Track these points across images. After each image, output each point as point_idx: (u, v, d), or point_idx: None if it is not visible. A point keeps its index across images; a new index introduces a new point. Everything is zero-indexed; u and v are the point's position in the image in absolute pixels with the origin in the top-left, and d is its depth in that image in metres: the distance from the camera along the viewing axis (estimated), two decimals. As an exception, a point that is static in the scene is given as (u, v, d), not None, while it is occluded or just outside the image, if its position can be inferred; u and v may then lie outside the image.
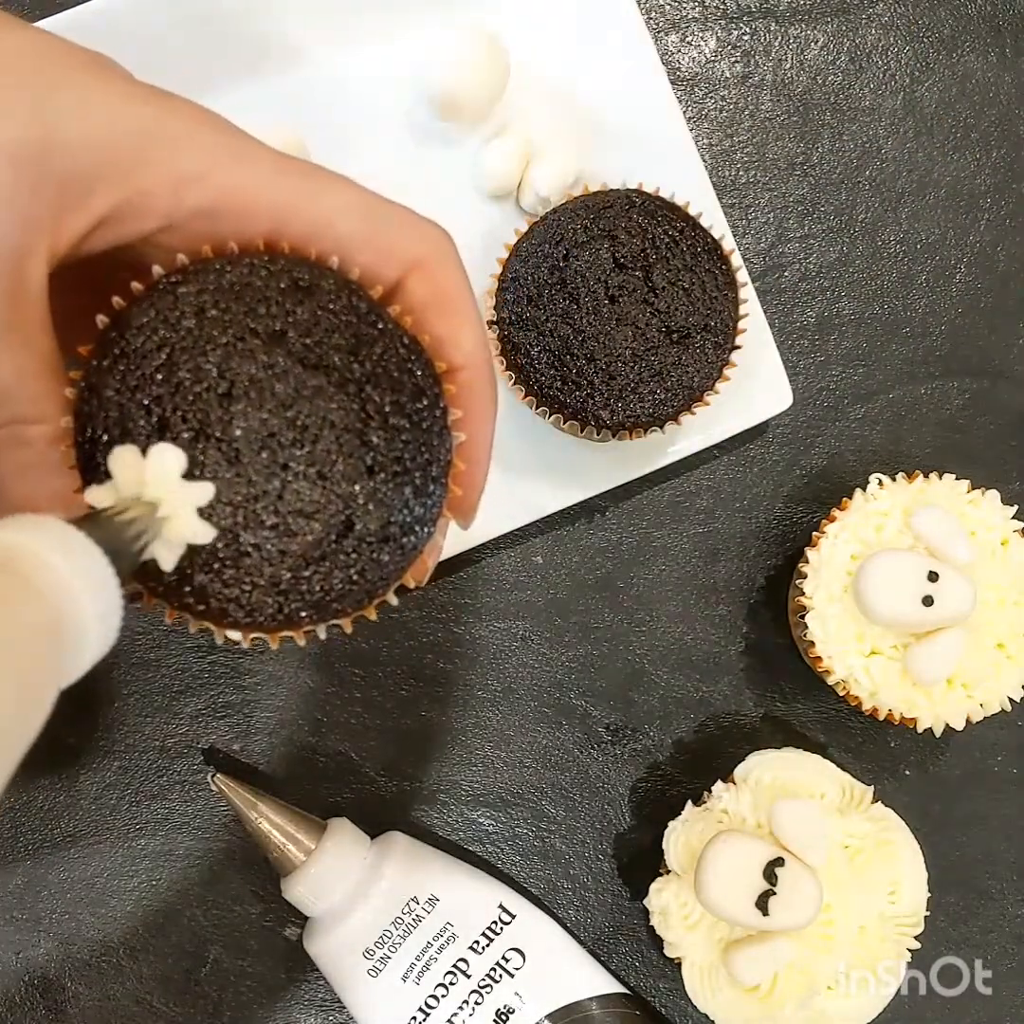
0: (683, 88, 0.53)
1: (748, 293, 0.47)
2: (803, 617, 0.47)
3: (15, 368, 0.26)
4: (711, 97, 0.53)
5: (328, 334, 0.26)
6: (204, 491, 0.25)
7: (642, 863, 0.50)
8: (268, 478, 0.25)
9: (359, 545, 0.26)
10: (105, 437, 0.25)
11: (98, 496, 0.24)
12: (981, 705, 0.45)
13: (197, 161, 0.27)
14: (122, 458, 0.24)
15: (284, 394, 0.25)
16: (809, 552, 0.47)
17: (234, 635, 0.27)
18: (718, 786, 0.46)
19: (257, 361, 0.25)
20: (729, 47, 0.53)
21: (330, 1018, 0.50)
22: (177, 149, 0.26)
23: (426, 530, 0.27)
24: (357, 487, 0.26)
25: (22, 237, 0.25)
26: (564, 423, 0.46)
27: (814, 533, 0.48)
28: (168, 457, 0.25)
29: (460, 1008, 0.45)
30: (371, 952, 0.46)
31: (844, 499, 0.47)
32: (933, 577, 0.44)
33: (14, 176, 0.25)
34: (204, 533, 0.25)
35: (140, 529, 0.24)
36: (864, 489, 0.47)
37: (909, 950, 0.45)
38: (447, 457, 0.27)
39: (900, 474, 0.47)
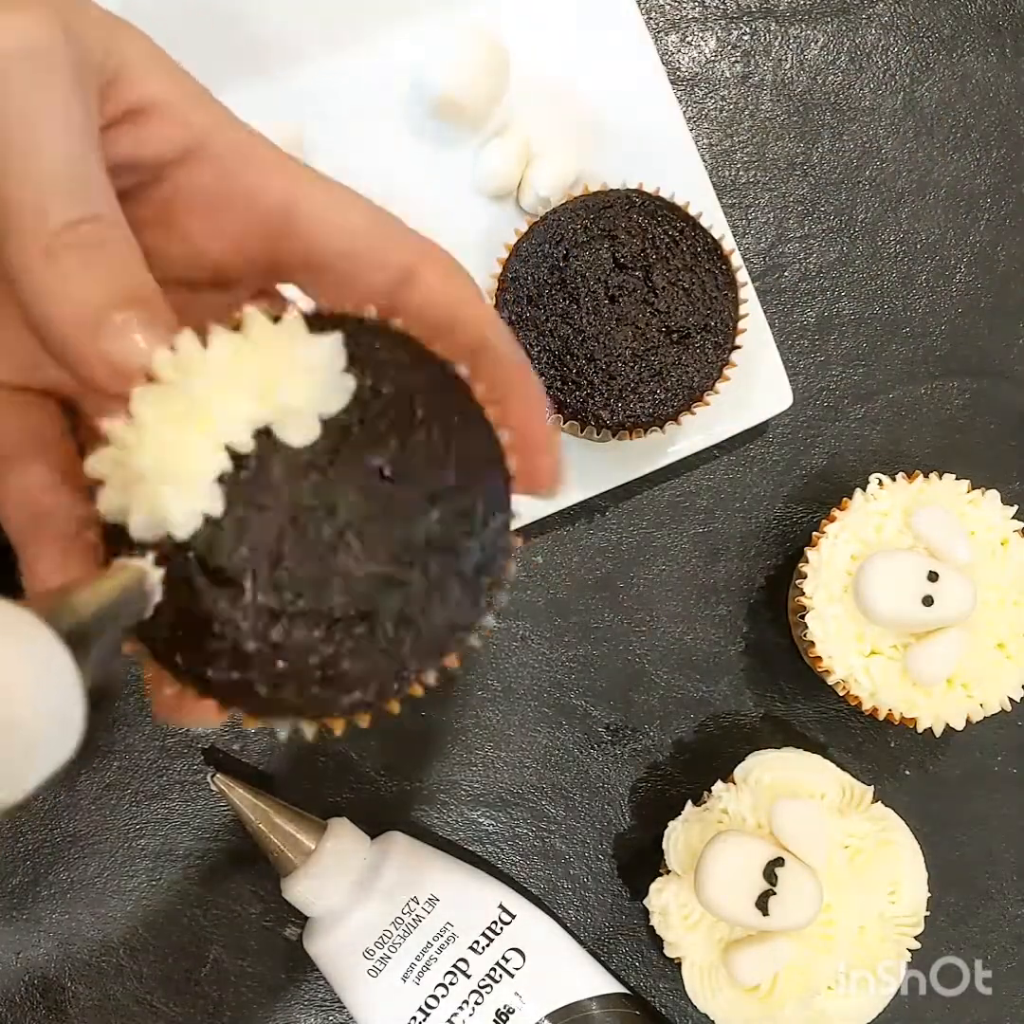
0: (683, 88, 0.53)
1: (748, 293, 0.47)
2: (803, 617, 0.47)
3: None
4: (711, 97, 0.53)
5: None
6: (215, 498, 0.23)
7: (642, 863, 0.50)
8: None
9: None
10: None
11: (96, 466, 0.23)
12: (981, 705, 0.45)
13: (209, 109, 0.25)
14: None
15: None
16: (809, 552, 0.47)
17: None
18: (718, 786, 0.46)
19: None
20: (729, 47, 0.53)
21: (330, 1018, 0.50)
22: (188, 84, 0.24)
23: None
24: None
25: (89, 118, 0.23)
26: (564, 423, 0.46)
27: (814, 533, 0.48)
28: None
29: (460, 1008, 0.45)
30: (371, 952, 0.46)
31: (844, 499, 0.47)
32: (933, 577, 0.44)
33: (62, 55, 0.23)
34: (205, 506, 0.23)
35: (137, 589, 0.22)
36: (864, 489, 0.47)
37: (909, 950, 0.45)
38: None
39: (900, 474, 0.47)
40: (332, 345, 0.24)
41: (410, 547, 0.24)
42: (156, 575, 0.22)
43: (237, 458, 0.23)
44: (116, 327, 0.23)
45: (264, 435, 0.23)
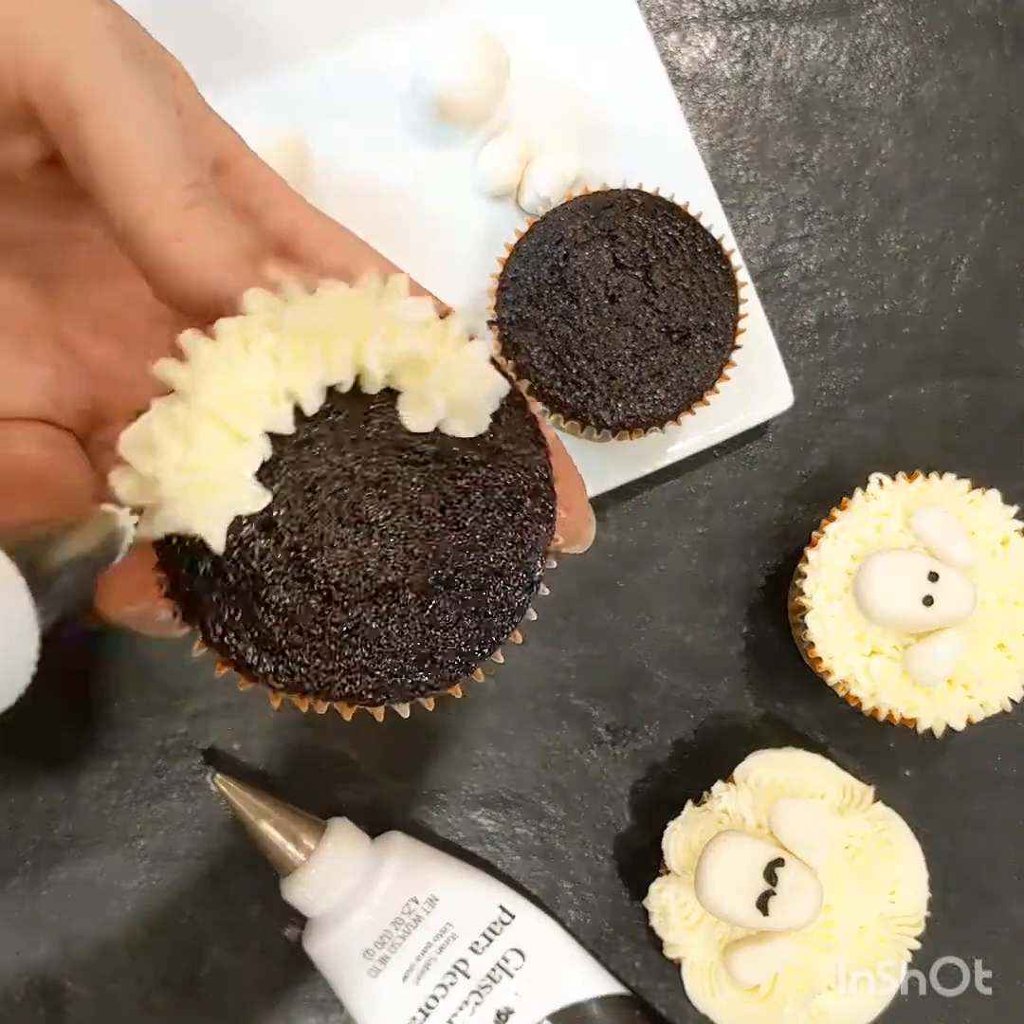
0: (683, 88, 0.53)
1: (748, 293, 0.47)
2: (803, 617, 0.47)
3: None
4: (711, 97, 0.53)
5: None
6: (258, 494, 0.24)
7: (642, 863, 0.49)
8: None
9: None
10: None
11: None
12: (981, 705, 0.45)
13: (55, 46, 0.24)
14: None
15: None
16: (809, 552, 0.47)
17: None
18: (718, 786, 0.46)
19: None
20: (729, 47, 0.53)
21: (330, 1018, 0.50)
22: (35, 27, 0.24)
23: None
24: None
25: None
26: (564, 423, 0.46)
27: (814, 533, 0.48)
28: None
29: (460, 1008, 0.45)
30: (371, 952, 0.46)
31: (844, 499, 0.47)
32: (933, 577, 0.44)
33: None
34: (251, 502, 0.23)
35: (104, 534, 0.22)
36: (864, 489, 0.47)
37: (909, 950, 0.45)
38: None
39: (900, 474, 0.47)
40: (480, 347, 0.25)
41: (451, 561, 0.25)
42: (128, 520, 0.23)
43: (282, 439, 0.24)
44: (254, 270, 0.25)
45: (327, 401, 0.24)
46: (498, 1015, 0.45)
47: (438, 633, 0.25)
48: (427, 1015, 0.45)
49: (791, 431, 0.52)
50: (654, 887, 0.45)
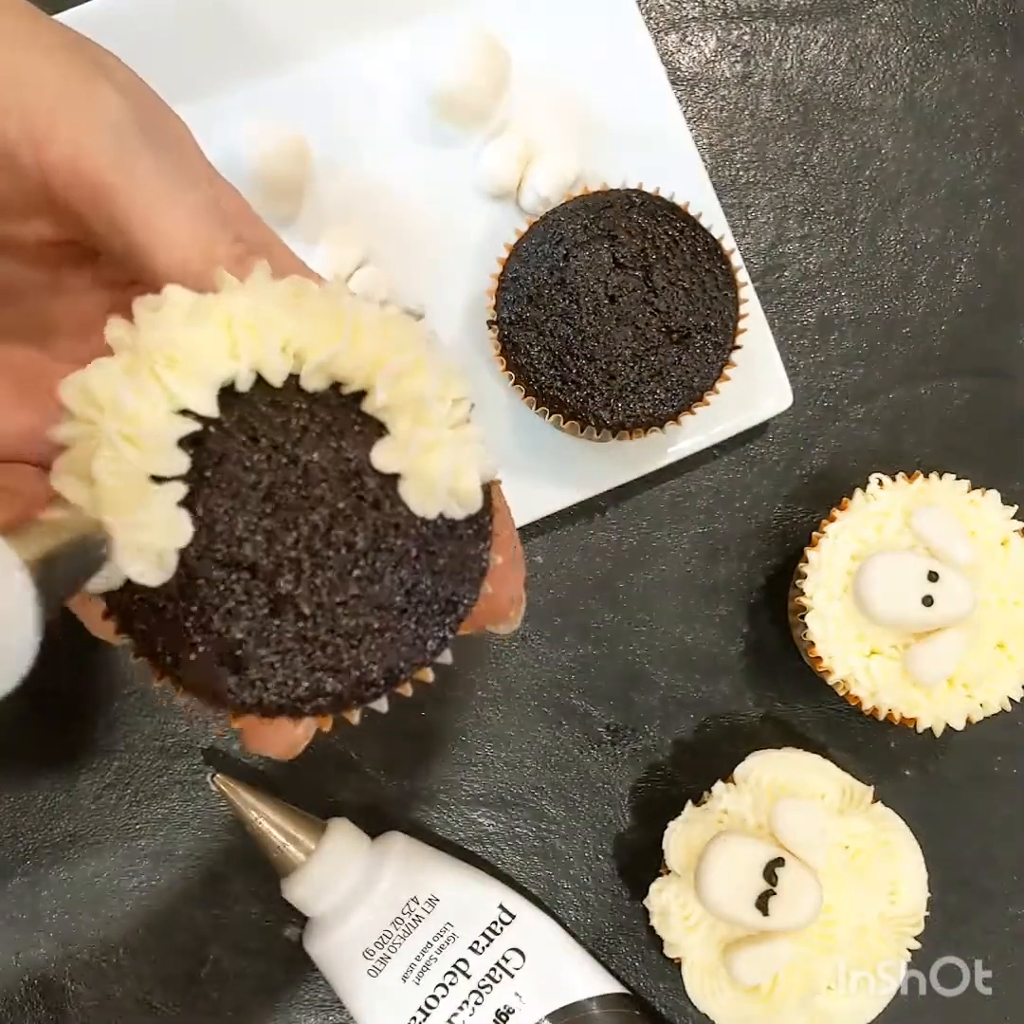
0: (683, 88, 0.53)
1: (748, 293, 0.47)
2: (803, 617, 0.47)
3: None
4: (711, 97, 0.53)
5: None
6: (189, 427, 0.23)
7: (642, 863, 0.50)
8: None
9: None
10: None
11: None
12: (981, 705, 0.45)
13: (49, 113, 0.25)
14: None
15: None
16: (809, 552, 0.47)
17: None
18: (718, 786, 0.46)
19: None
20: (729, 47, 0.53)
21: (330, 1018, 0.50)
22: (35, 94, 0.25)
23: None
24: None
25: None
26: (564, 423, 0.46)
27: (814, 533, 0.48)
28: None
29: (460, 1008, 0.45)
30: (371, 952, 0.46)
31: (844, 499, 0.47)
32: (933, 577, 0.44)
33: None
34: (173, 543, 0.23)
35: (94, 538, 0.22)
36: (864, 489, 0.47)
37: (909, 950, 0.45)
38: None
39: (900, 474, 0.47)
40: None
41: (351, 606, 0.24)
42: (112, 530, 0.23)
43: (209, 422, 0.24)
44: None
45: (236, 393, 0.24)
46: (498, 1015, 0.45)
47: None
48: (427, 1015, 0.45)
49: (791, 431, 0.52)
50: (654, 887, 0.45)
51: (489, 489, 0.26)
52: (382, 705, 0.26)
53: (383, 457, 0.24)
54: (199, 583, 0.24)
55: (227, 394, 0.24)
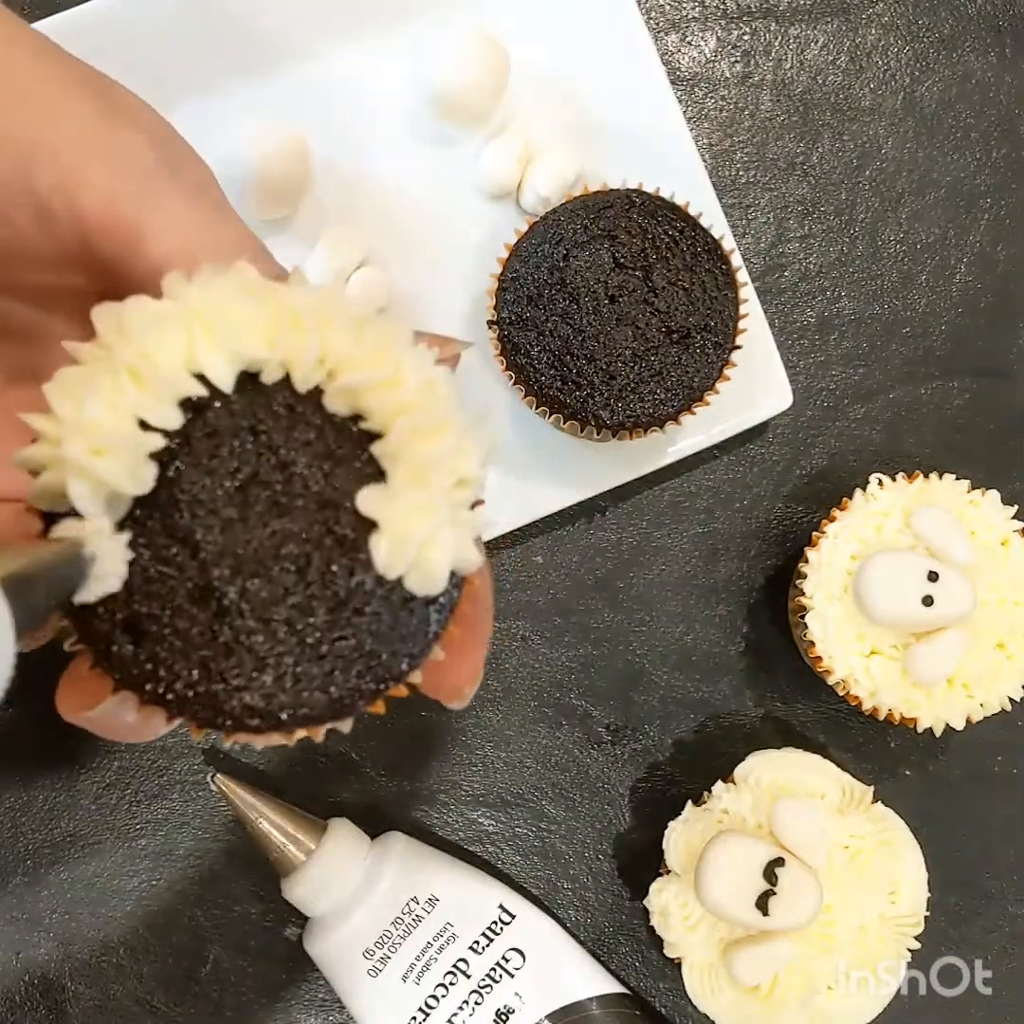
0: (683, 88, 0.53)
1: (748, 293, 0.47)
2: (803, 617, 0.47)
3: None
4: (711, 97, 0.53)
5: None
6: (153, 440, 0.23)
7: (642, 863, 0.50)
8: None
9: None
10: None
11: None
12: (981, 705, 0.45)
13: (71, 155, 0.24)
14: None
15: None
16: (809, 552, 0.47)
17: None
18: (718, 786, 0.46)
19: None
20: (729, 47, 0.53)
21: (330, 1018, 0.50)
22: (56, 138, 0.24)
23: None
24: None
25: None
26: (564, 423, 0.46)
27: (814, 533, 0.48)
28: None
29: (460, 1008, 0.45)
30: (371, 952, 0.46)
31: (844, 499, 0.47)
32: (933, 577, 0.44)
33: None
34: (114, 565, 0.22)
35: (72, 556, 0.21)
36: (864, 489, 0.47)
37: (909, 950, 0.45)
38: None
39: (900, 474, 0.47)
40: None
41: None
42: (100, 546, 0.22)
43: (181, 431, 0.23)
44: None
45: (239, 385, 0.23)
46: (498, 1015, 0.45)
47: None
48: (427, 1015, 0.45)
49: (791, 431, 0.52)
50: (654, 887, 0.45)
51: (463, 579, 0.25)
52: (260, 741, 0.24)
53: (367, 500, 0.23)
54: (141, 544, 0.23)
55: (250, 380, 0.23)
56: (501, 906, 0.47)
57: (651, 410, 0.45)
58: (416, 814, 0.51)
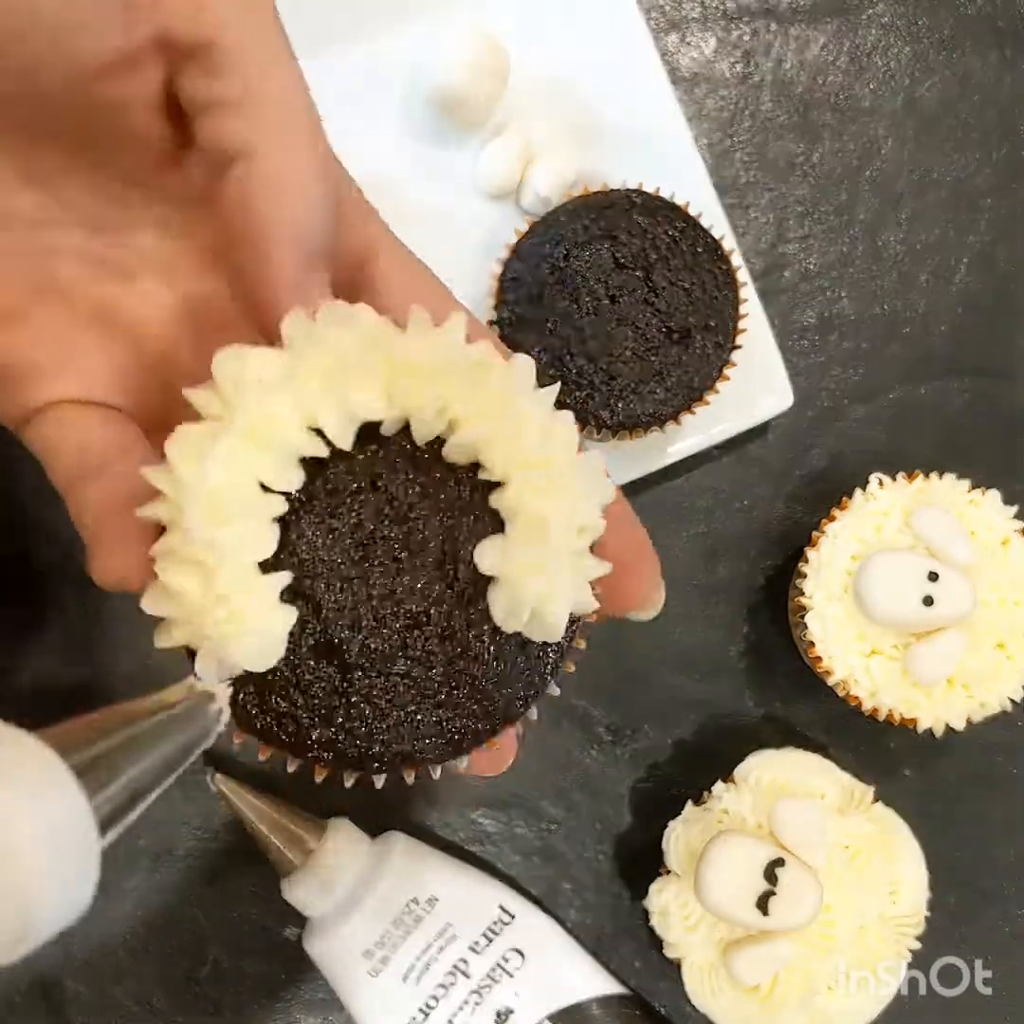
0: (683, 88, 0.53)
1: (748, 293, 0.47)
2: (803, 617, 0.47)
3: None
4: (711, 97, 0.53)
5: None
6: (280, 580, 0.23)
7: (642, 863, 0.49)
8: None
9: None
10: None
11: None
12: (981, 705, 0.45)
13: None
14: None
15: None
16: (809, 552, 0.47)
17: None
18: (718, 786, 0.46)
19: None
20: (729, 47, 0.53)
21: (330, 1018, 0.50)
22: None
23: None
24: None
25: None
26: (564, 423, 0.46)
27: (814, 533, 0.48)
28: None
29: (460, 1008, 0.45)
30: (371, 952, 0.46)
31: (844, 499, 0.47)
32: (933, 577, 0.44)
33: None
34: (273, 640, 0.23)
35: (196, 720, 0.22)
36: (864, 489, 0.47)
37: (909, 950, 0.45)
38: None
39: (900, 474, 0.47)
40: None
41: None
42: (224, 699, 0.23)
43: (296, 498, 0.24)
44: None
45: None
46: (498, 1015, 0.45)
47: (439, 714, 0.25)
48: (427, 1015, 0.45)
49: (791, 431, 0.52)
50: (654, 887, 0.45)
51: (578, 619, 0.25)
52: (379, 780, 0.25)
53: (485, 556, 0.24)
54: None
55: (371, 431, 0.24)
56: (501, 906, 0.47)
57: (651, 410, 0.45)
58: (416, 814, 0.50)
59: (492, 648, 0.24)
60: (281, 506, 0.23)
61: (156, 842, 0.50)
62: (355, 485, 0.24)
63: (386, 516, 0.24)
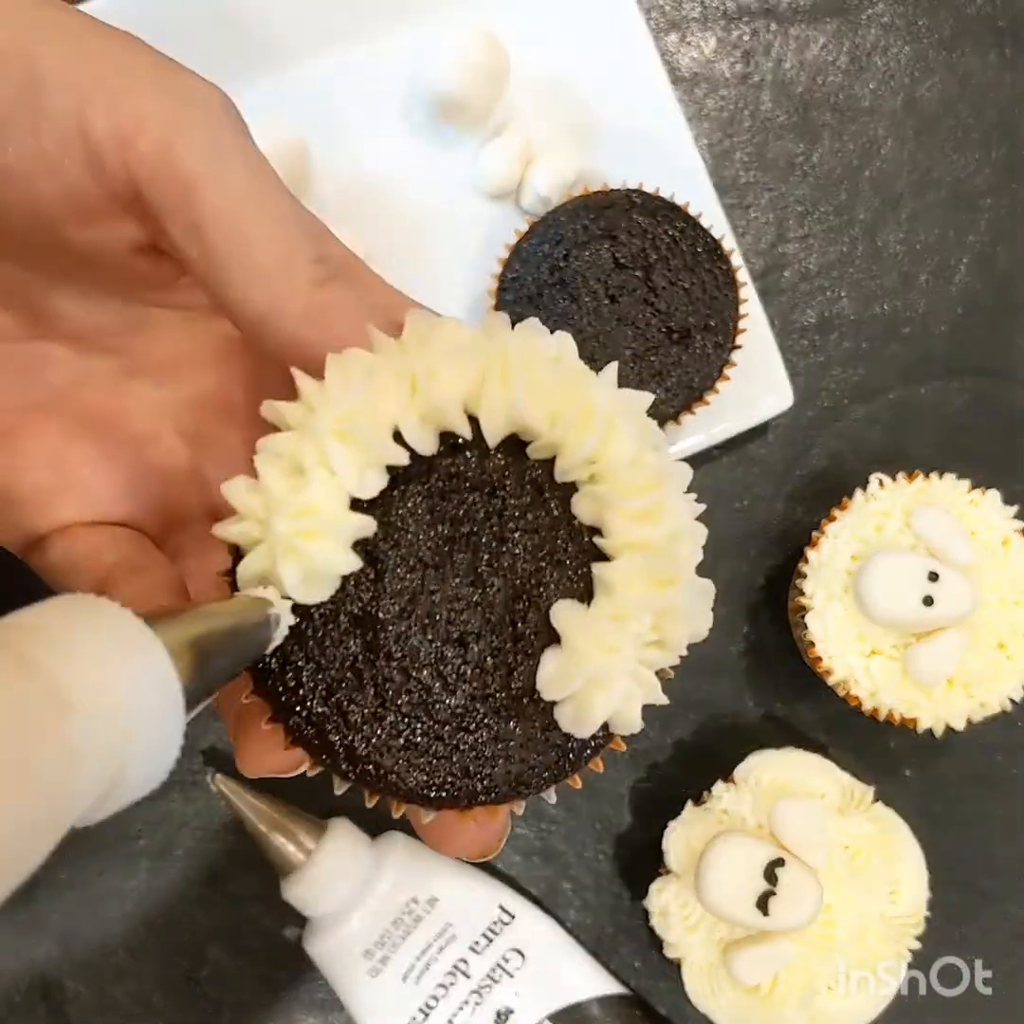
0: (683, 88, 0.53)
1: (748, 293, 0.47)
2: (803, 617, 0.47)
3: None
4: (711, 97, 0.53)
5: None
6: (364, 524, 0.22)
7: (642, 863, 0.49)
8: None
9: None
10: None
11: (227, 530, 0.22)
12: (981, 705, 0.45)
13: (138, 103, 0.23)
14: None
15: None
16: (809, 552, 0.47)
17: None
18: (718, 786, 0.46)
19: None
20: (729, 47, 0.53)
21: (330, 1018, 0.50)
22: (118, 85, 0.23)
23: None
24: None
25: None
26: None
27: (814, 533, 0.48)
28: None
29: (460, 1008, 0.45)
30: (371, 952, 0.46)
31: (844, 499, 0.47)
32: (933, 577, 0.44)
33: None
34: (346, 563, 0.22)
35: (255, 621, 0.21)
36: (864, 489, 0.47)
37: (909, 950, 0.45)
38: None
39: (900, 474, 0.47)
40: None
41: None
42: (284, 607, 0.22)
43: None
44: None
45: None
46: (498, 1015, 0.45)
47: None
48: (427, 1015, 0.45)
49: (791, 431, 0.52)
50: (654, 887, 0.45)
51: (609, 736, 0.24)
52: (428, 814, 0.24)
53: (563, 611, 0.22)
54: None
55: (516, 445, 0.23)
56: (501, 906, 0.47)
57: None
58: (416, 814, 0.50)
59: (520, 709, 0.23)
60: (370, 526, 0.22)
61: (156, 842, 0.50)
62: (478, 481, 0.23)
63: (491, 527, 0.23)
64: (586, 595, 0.23)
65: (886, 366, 0.53)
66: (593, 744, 0.24)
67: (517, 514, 0.23)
